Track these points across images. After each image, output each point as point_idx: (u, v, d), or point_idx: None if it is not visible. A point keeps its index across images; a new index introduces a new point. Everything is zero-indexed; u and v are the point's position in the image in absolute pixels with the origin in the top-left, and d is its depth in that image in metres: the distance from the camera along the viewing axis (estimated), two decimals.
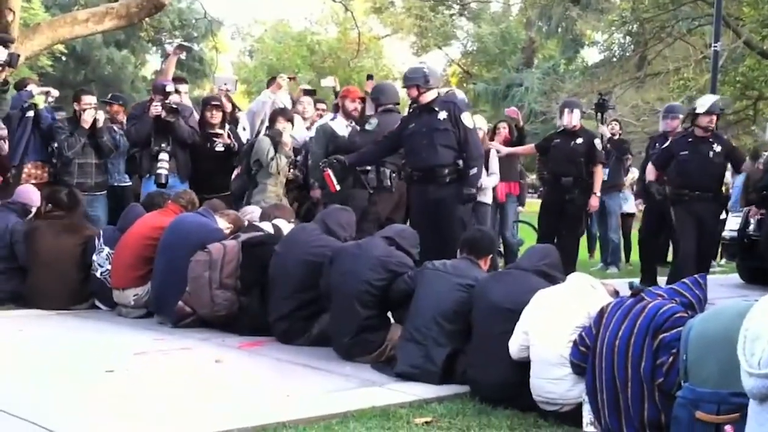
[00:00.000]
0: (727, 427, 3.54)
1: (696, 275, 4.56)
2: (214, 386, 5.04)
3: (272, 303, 6.28)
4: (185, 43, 12.50)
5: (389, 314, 5.93)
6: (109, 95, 10.42)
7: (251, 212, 7.63)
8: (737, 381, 3.46)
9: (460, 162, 7.41)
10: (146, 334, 6.43)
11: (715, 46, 12.00)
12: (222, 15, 27.15)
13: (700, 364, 3.69)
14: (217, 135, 8.80)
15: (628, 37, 23.11)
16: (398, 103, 8.69)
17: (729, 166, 9.58)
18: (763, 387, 3.02)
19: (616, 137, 11.90)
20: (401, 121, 7.81)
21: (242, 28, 35.01)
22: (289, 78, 9.82)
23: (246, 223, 7.22)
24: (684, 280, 4.52)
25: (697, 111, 8.58)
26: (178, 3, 21.13)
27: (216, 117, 8.85)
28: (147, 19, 13.40)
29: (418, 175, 7.52)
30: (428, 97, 7.56)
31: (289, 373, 5.41)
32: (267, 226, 6.95)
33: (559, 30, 29.88)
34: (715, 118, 8.66)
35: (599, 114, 10.50)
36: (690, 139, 8.72)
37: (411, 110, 7.78)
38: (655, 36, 20.51)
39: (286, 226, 6.98)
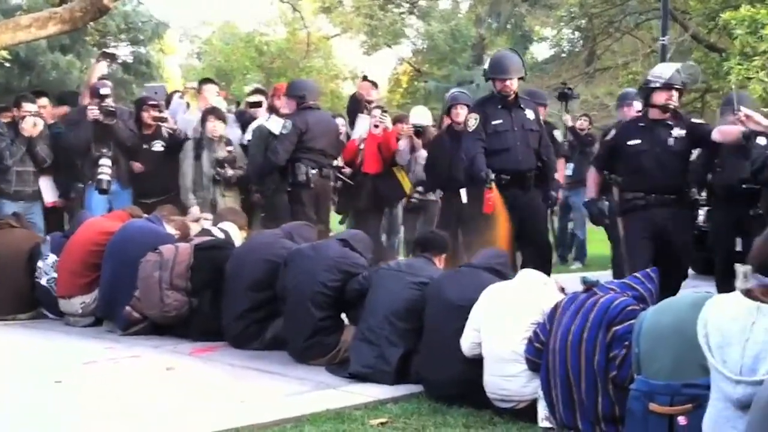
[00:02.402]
0: (681, 418, 3.55)
1: (648, 269, 4.57)
2: (165, 394, 4.96)
3: (226, 303, 6.23)
4: (108, 51, 12.28)
5: (343, 316, 5.88)
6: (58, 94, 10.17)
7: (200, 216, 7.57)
8: (690, 372, 3.49)
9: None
10: (95, 343, 6.33)
11: (663, 40, 12.11)
12: (169, 17, 27.08)
13: (653, 356, 3.70)
14: (163, 119, 8.65)
15: (576, 33, 23.28)
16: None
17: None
18: (753, 394, 3.01)
19: (584, 132, 11.72)
20: (482, 115, 7.04)
21: (190, 30, 34.77)
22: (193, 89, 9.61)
23: (191, 229, 7.14)
24: (636, 273, 4.53)
25: (652, 85, 6.54)
26: (123, 6, 20.89)
27: (152, 118, 8.69)
28: (92, 23, 13.21)
29: (507, 179, 6.89)
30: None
31: (242, 379, 5.35)
32: (216, 231, 6.89)
33: (509, 26, 30.07)
34: (676, 93, 6.51)
35: (563, 103, 10.47)
36: (642, 124, 6.60)
37: (487, 104, 7.20)
38: (604, 31, 20.68)
39: (235, 231, 6.92)
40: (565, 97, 10.45)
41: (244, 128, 8.88)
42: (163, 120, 8.64)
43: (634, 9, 19.23)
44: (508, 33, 30.08)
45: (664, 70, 6.63)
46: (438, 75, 30.52)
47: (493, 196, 6.66)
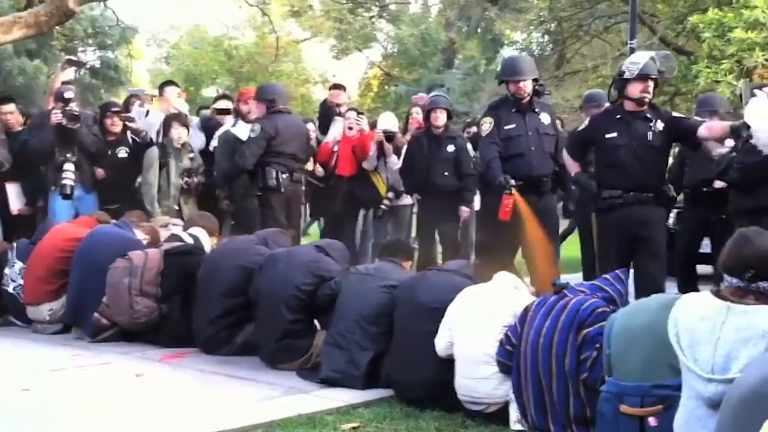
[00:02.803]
0: (651, 419, 3.58)
1: (617, 270, 4.59)
2: (135, 401, 4.91)
3: (198, 308, 6.19)
4: (74, 58, 12.14)
5: (316, 322, 5.86)
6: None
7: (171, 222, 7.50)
8: (660, 373, 3.52)
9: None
10: (63, 350, 6.25)
11: (632, 44, 12.19)
12: (137, 21, 26.83)
13: (623, 357, 3.72)
14: (130, 119, 8.58)
15: (546, 36, 23.37)
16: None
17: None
18: (724, 392, 3.04)
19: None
20: (494, 119, 6.87)
21: (158, 35, 34.56)
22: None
23: (161, 234, 7.09)
24: (606, 275, 4.55)
25: (626, 76, 6.11)
26: (90, 11, 20.71)
27: (116, 124, 8.61)
28: (58, 27, 13.08)
29: (520, 185, 6.61)
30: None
31: (212, 384, 5.31)
32: (186, 237, 6.84)
33: (479, 30, 30.16)
34: (652, 84, 6.11)
35: (536, 98, 10.26)
36: (618, 116, 6.17)
37: (500, 108, 7.01)
38: (573, 34, 20.75)
39: (205, 237, 6.87)
40: (537, 94, 10.26)
41: (209, 135, 8.80)
42: (131, 120, 8.58)
43: (603, 12, 19.32)
44: (478, 37, 30.17)
45: (639, 59, 6.20)
46: (408, 79, 30.54)
47: (512, 203, 6.48)
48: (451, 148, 8.31)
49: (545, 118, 6.94)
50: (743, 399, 2.81)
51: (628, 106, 6.13)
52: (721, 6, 13.06)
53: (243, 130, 8.20)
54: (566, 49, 22.03)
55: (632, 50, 12.16)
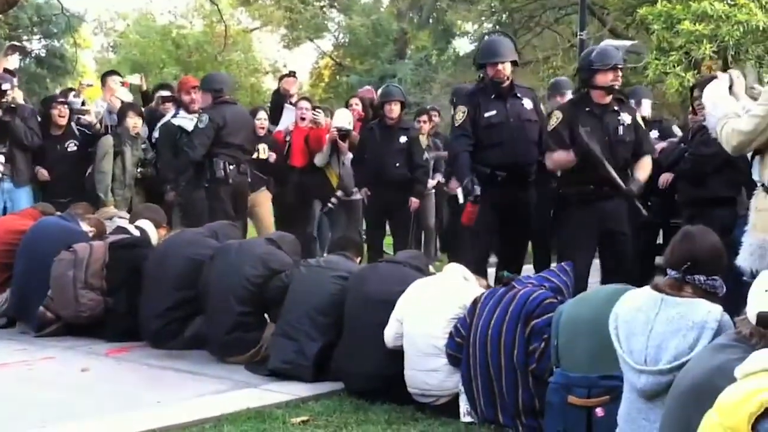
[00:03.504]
0: (598, 410, 3.61)
1: (563, 263, 4.61)
2: (81, 396, 4.84)
3: (145, 301, 6.10)
4: (17, 44, 11.88)
5: (266, 316, 5.82)
6: None
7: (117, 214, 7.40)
8: (606, 364, 3.54)
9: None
10: (7, 345, 6.15)
11: (581, 35, 12.24)
12: (83, 9, 26.25)
13: (571, 348, 3.75)
14: (83, 112, 8.43)
15: (497, 27, 23.45)
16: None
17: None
18: (656, 383, 3.08)
19: None
20: (472, 107, 6.39)
21: (105, 23, 34.02)
22: (122, 83, 9.42)
23: (107, 226, 6.98)
24: (552, 267, 4.57)
25: (595, 66, 5.99)
26: None
27: (63, 115, 8.45)
28: (1, 16, 12.79)
29: (503, 175, 6.28)
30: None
31: (159, 379, 5.26)
32: (132, 229, 6.74)
33: (431, 20, 30.12)
34: (619, 73, 6.08)
35: None
36: (587, 108, 6.05)
37: (478, 94, 6.52)
38: (524, 26, 20.85)
39: (151, 229, 6.78)
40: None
41: (151, 126, 8.67)
42: (84, 113, 8.44)
43: (554, 4, 19.45)
44: (430, 27, 30.14)
45: (605, 47, 6.25)
46: (360, 69, 30.45)
47: (476, 210, 6.12)
48: (403, 139, 8.32)
49: (527, 103, 6.46)
50: (687, 391, 2.84)
51: (596, 96, 6.02)
52: None
53: (188, 122, 8.11)
54: (517, 40, 22.16)
55: (582, 42, 12.24)
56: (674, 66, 11.02)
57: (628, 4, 15.34)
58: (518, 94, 6.45)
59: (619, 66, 6.04)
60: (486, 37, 6.89)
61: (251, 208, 8.54)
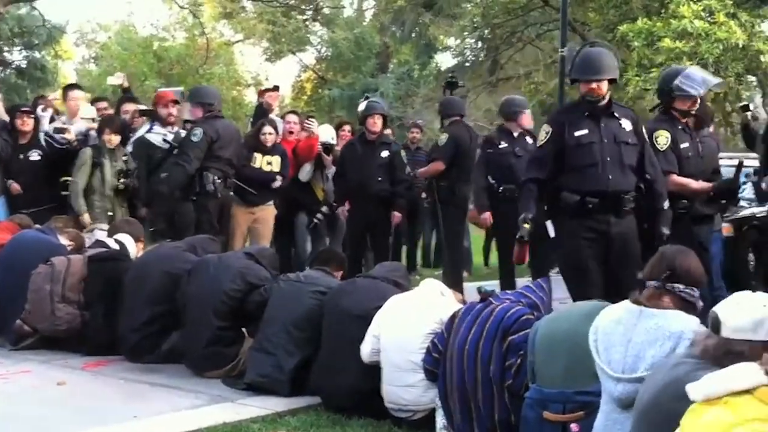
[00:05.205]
0: (573, 426, 3.61)
1: (539, 279, 4.63)
2: (57, 410, 4.82)
3: (123, 315, 6.08)
4: None
5: (244, 330, 5.81)
6: None
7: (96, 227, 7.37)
8: (582, 380, 3.57)
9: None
10: None
11: (563, 51, 12.30)
12: (64, 21, 26.12)
13: (547, 364, 3.76)
14: (62, 131, 8.40)
15: (479, 42, 23.54)
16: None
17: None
18: (633, 392, 3.11)
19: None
20: (557, 125, 5.59)
21: (87, 35, 33.90)
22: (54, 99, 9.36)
23: (87, 239, 6.96)
24: (528, 283, 4.59)
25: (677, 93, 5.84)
26: (17, 10, 20.24)
27: (27, 124, 8.40)
28: None
29: (594, 203, 5.43)
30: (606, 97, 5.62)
31: (136, 393, 5.24)
32: (111, 243, 6.72)
33: (413, 35, 30.22)
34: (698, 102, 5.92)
35: (449, 92, 10.05)
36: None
37: (570, 112, 5.81)
38: (506, 41, 20.95)
39: (130, 243, 6.75)
40: (452, 86, 9.94)
41: (126, 138, 8.59)
42: (64, 131, 8.38)
43: (536, 20, 19.56)
44: (412, 42, 30.24)
45: (694, 78, 6.01)
46: (342, 83, 30.46)
47: (526, 250, 5.53)
48: (385, 153, 8.33)
49: (626, 124, 5.62)
50: (649, 404, 2.89)
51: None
52: (650, 16, 13.32)
53: (157, 137, 8.11)
54: (499, 55, 22.24)
55: (563, 58, 12.30)
56: (654, 83, 11.13)
57: (609, 21, 15.46)
58: (615, 114, 5.64)
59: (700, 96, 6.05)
60: (587, 47, 5.98)
61: (252, 224, 8.51)
